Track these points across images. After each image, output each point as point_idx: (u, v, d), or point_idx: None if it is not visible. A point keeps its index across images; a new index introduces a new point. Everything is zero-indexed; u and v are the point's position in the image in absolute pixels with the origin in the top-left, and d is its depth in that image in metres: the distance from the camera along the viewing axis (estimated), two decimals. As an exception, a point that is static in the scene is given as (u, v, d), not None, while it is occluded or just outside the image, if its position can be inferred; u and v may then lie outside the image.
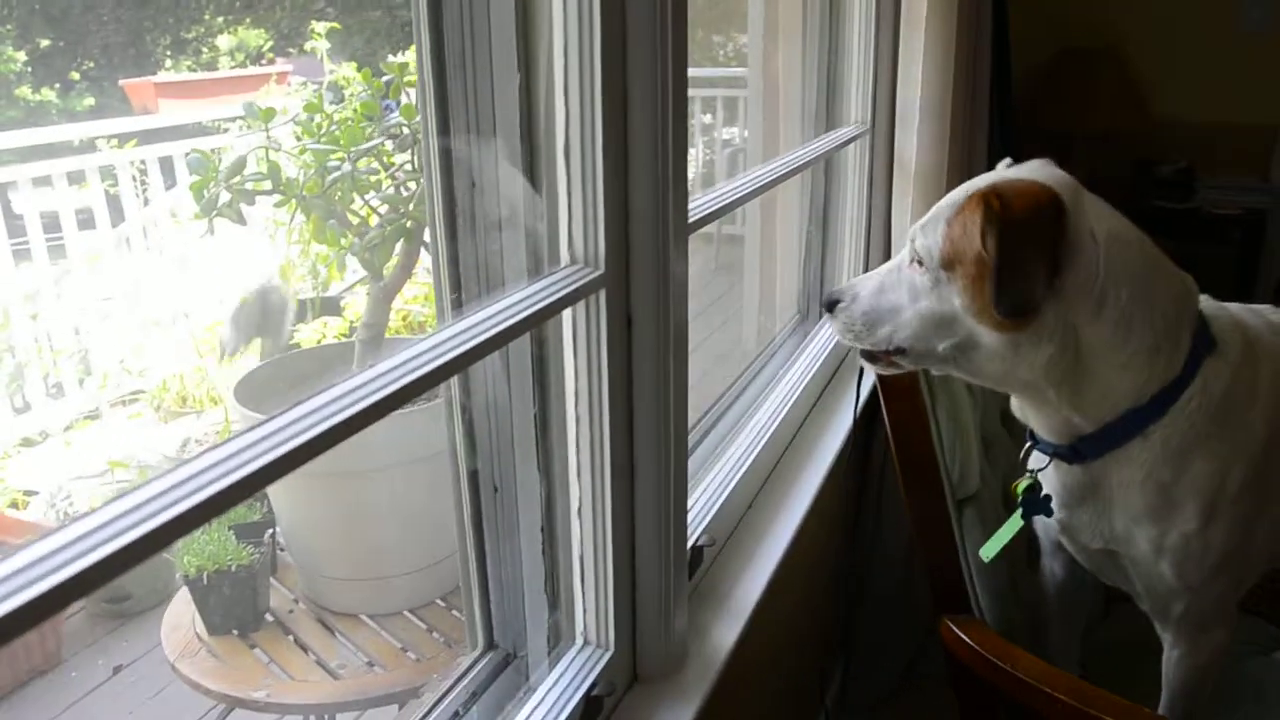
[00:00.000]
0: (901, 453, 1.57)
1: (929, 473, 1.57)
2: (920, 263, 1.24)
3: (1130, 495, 1.28)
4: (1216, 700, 1.46)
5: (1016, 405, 1.35)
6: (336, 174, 1.47)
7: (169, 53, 10.17)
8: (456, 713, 1.10)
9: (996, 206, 1.13)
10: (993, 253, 1.12)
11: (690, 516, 1.37)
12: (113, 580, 0.52)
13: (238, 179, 1.52)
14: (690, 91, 1.04)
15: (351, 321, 3.35)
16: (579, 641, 1.13)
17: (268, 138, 1.59)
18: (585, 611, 1.12)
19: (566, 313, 0.99)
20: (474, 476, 1.09)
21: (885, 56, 2.13)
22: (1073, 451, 1.29)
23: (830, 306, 1.33)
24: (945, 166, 2.10)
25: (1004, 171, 1.31)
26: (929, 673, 2.11)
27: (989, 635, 1.54)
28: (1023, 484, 1.37)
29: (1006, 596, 1.65)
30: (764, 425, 1.67)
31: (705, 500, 1.43)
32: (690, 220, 1.11)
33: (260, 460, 0.60)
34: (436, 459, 1.70)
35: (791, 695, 1.83)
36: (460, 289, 1.01)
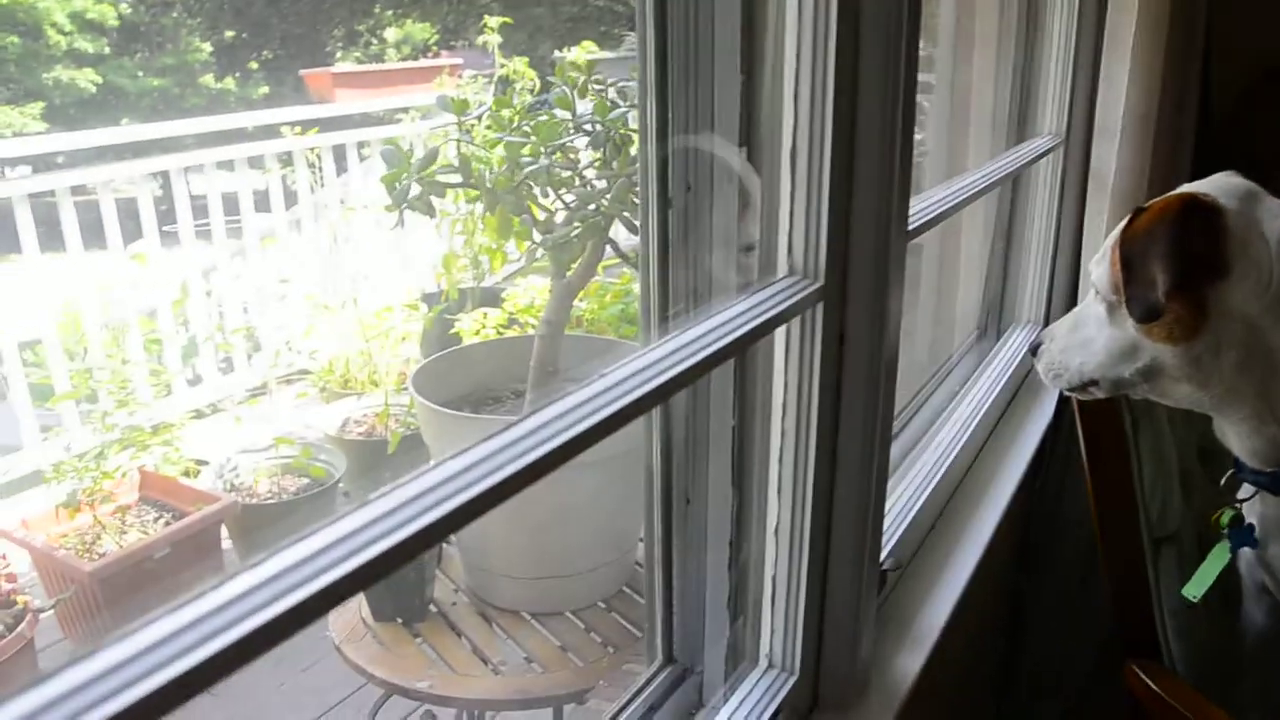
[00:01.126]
0: (1098, 482, 1.49)
1: (1126, 505, 1.49)
2: (1099, 293, 1.26)
3: None
4: None
5: (1218, 428, 1.29)
6: (531, 168, 1.47)
7: (340, 44, 10.56)
8: (635, 726, 1.08)
9: (1129, 222, 1.17)
10: (1119, 263, 1.16)
11: (875, 538, 1.32)
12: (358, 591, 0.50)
13: (429, 171, 1.54)
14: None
15: (511, 313, 3.38)
16: (763, 664, 1.10)
17: (460, 130, 1.60)
18: (773, 634, 1.08)
19: (780, 327, 0.95)
20: (667, 486, 1.06)
21: (1085, 67, 2.03)
22: (1276, 481, 1.22)
23: (1034, 350, 1.38)
24: (1146, 185, 2.00)
25: (1182, 187, 1.25)
26: (1099, 712, 2.01)
27: (1181, 687, 1.45)
28: (1227, 514, 1.29)
29: (1200, 644, 1.55)
30: (948, 444, 1.60)
31: (889, 520, 1.38)
32: (910, 228, 1.06)
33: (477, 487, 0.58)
34: (613, 462, 1.69)
35: (957, 727, 1.76)
36: (669, 300, 0.98)
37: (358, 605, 1.81)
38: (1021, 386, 1.99)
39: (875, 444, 1.03)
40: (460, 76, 5.33)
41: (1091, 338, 1.27)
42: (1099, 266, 1.24)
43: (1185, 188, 1.22)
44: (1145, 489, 1.50)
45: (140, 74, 8.81)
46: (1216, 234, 1.12)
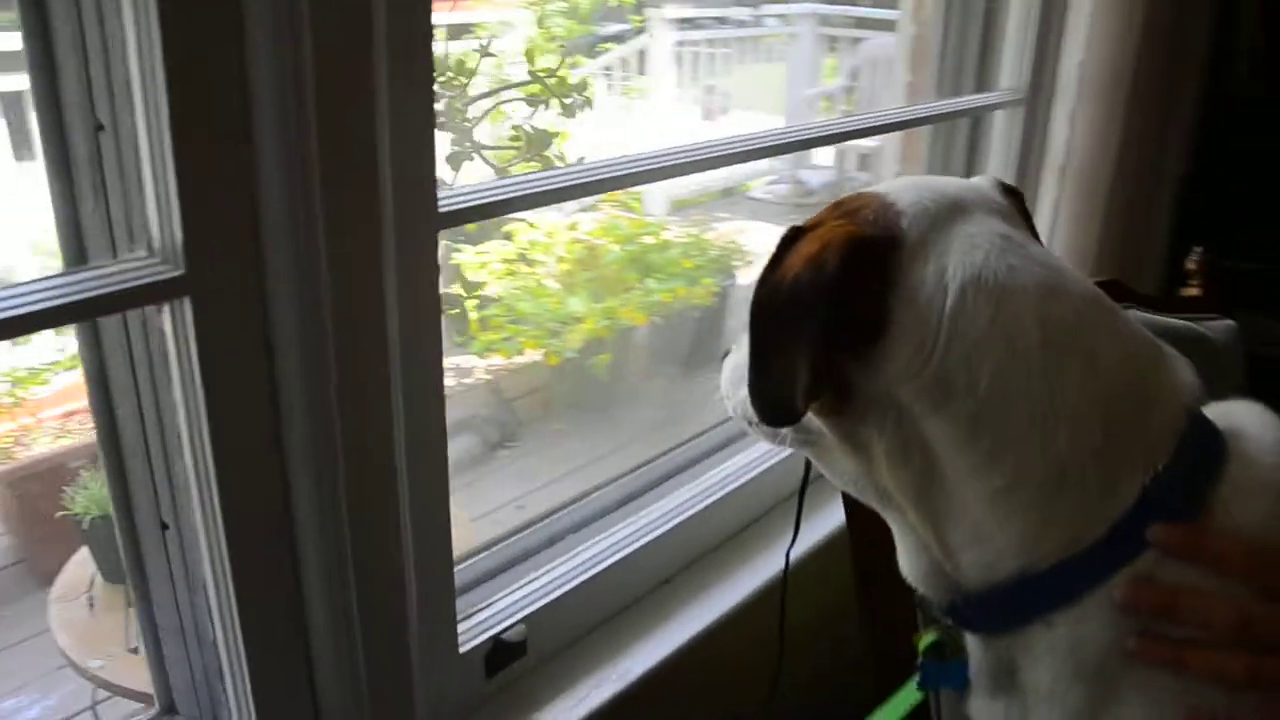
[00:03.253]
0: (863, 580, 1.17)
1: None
2: None
3: (1045, 713, 0.78)
4: None
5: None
6: None
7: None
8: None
9: (773, 258, 0.72)
10: (750, 335, 0.74)
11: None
12: None
13: None
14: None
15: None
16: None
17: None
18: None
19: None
20: (126, 510, 0.84)
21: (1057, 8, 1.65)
22: (953, 611, 0.79)
23: (724, 357, 0.94)
24: (1114, 162, 1.63)
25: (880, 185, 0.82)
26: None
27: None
28: (926, 639, 0.87)
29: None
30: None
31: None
32: (446, 210, 0.79)
33: None
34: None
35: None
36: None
37: (88, 558, 1.61)
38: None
39: (338, 484, 0.77)
40: None
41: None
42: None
43: (894, 184, 0.80)
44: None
45: None
46: (886, 281, 0.74)
